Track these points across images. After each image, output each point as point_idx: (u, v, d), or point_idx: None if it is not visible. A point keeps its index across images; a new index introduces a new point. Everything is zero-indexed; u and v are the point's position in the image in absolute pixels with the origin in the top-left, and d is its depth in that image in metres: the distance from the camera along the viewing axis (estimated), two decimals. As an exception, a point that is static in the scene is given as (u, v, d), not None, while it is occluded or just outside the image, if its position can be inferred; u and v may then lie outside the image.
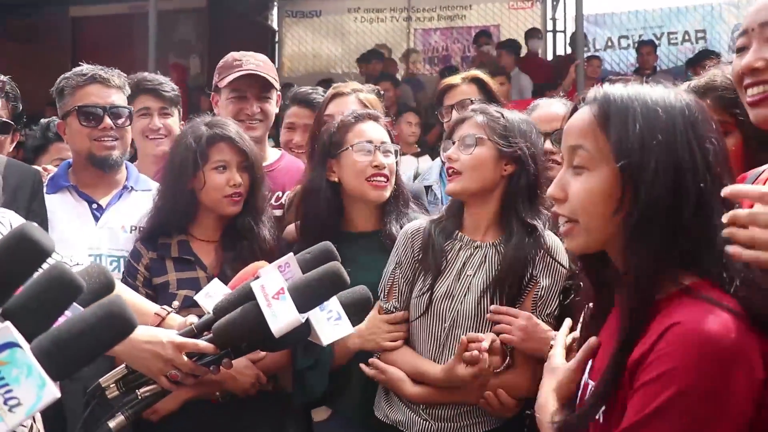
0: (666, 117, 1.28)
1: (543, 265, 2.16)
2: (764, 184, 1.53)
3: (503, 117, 2.23)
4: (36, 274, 0.99)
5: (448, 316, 2.18)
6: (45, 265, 1.01)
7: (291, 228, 2.68)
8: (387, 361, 2.27)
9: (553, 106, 2.66)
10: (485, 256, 2.19)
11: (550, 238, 2.18)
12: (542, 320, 2.13)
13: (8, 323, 0.93)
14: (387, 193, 2.45)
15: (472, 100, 3.17)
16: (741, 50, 1.63)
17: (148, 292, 2.48)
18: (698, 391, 1.15)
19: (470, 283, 2.18)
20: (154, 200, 2.61)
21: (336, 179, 2.46)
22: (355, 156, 2.42)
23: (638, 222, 1.26)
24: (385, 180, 2.43)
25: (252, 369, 2.39)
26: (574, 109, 1.39)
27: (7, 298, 0.94)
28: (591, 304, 1.52)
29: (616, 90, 1.33)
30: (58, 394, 0.93)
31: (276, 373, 2.52)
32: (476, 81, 3.29)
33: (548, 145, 2.57)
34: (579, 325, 1.63)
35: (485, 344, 2.04)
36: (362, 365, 2.29)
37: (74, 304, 1.03)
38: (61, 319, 1.00)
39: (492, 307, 2.13)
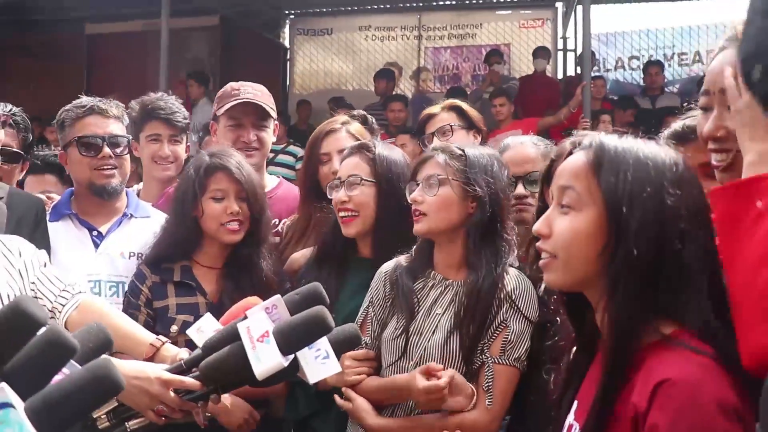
0: (655, 172, 1.35)
1: (513, 311, 2.16)
2: None
3: (464, 154, 2.23)
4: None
5: (416, 352, 2.20)
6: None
7: (296, 256, 2.74)
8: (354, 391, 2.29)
9: (525, 147, 2.63)
10: (456, 294, 2.20)
11: (517, 280, 2.18)
12: (509, 364, 2.13)
13: (3, 384, 0.98)
14: (353, 229, 2.48)
15: (451, 126, 3.27)
16: (705, 109, 1.62)
17: (149, 312, 2.55)
18: None
19: (439, 321, 2.19)
20: (161, 227, 2.69)
21: None
22: (329, 193, 2.55)
23: (620, 268, 1.33)
24: (351, 213, 2.48)
25: (245, 407, 2.43)
26: (568, 154, 1.47)
27: (3, 365, 1.00)
28: (574, 349, 1.57)
29: (610, 140, 1.41)
30: None
31: (270, 399, 2.57)
32: (455, 109, 3.37)
33: (521, 189, 2.55)
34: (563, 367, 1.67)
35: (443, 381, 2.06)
36: (336, 397, 2.31)
37: (72, 362, 1.09)
38: (59, 376, 1.05)
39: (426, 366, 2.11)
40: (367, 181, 2.48)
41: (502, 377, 2.13)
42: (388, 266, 2.35)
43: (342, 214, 2.49)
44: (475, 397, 2.12)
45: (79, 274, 2.69)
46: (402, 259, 2.34)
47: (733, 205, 1.31)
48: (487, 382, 2.12)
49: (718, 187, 1.35)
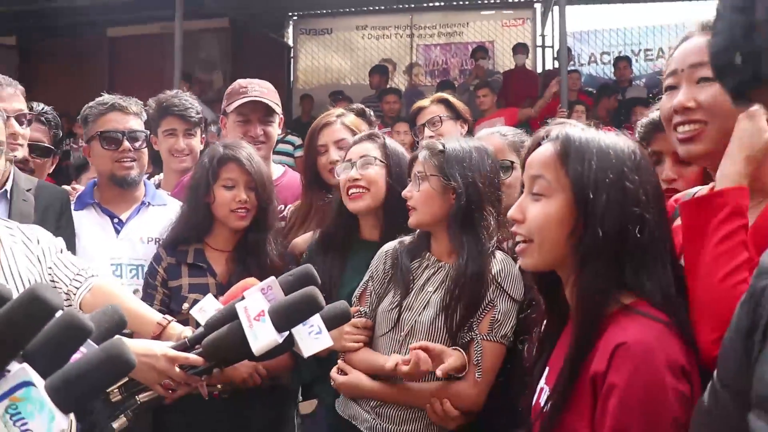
0: (616, 160, 1.37)
1: (499, 292, 2.13)
2: None
3: (443, 149, 2.20)
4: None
5: (406, 326, 2.18)
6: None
7: (298, 241, 2.73)
8: (348, 359, 2.28)
9: (493, 138, 2.59)
10: (447, 275, 2.18)
11: (503, 263, 2.15)
12: (497, 341, 2.10)
13: (25, 365, 0.98)
14: (362, 203, 2.44)
15: (440, 117, 3.29)
16: (670, 89, 1.56)
17: (165, 291, 2.56)
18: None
19: (430, 299, 2.18)
20: (178, 212, 2.69)
21: None
22: (336, 170, 2.53)
23: (588, 248, 1.34)
24: (361, 190, 2.44)
25: (248, 364, 2.38)
26: (537, 144, 1.46)
27: (23, 348, 0.99)
28: (546, 321, 1.58)
29: (575, 132, 1.42)
30: (65, 426, 0.99)
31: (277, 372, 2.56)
32: (443, 101, 3.37)
33: None
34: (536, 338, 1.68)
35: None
36: (332, 374, 2.28)
37: (89, 341, 1.08)
38: (77, 355, 1.05)
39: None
40: (380, 161, 2.46)
41: (489, 353, 2.10)
42: (390, 245, 2.34)
43: (352, 191, 2.44)
44: (467, 368, 2.08)
45: (103, 258, 2.72)
46: (404, 240, 2.33)
47: (696, 219, 1.34)
48: (477, 357, 2.10)
49: (685, 201, 1.36)
